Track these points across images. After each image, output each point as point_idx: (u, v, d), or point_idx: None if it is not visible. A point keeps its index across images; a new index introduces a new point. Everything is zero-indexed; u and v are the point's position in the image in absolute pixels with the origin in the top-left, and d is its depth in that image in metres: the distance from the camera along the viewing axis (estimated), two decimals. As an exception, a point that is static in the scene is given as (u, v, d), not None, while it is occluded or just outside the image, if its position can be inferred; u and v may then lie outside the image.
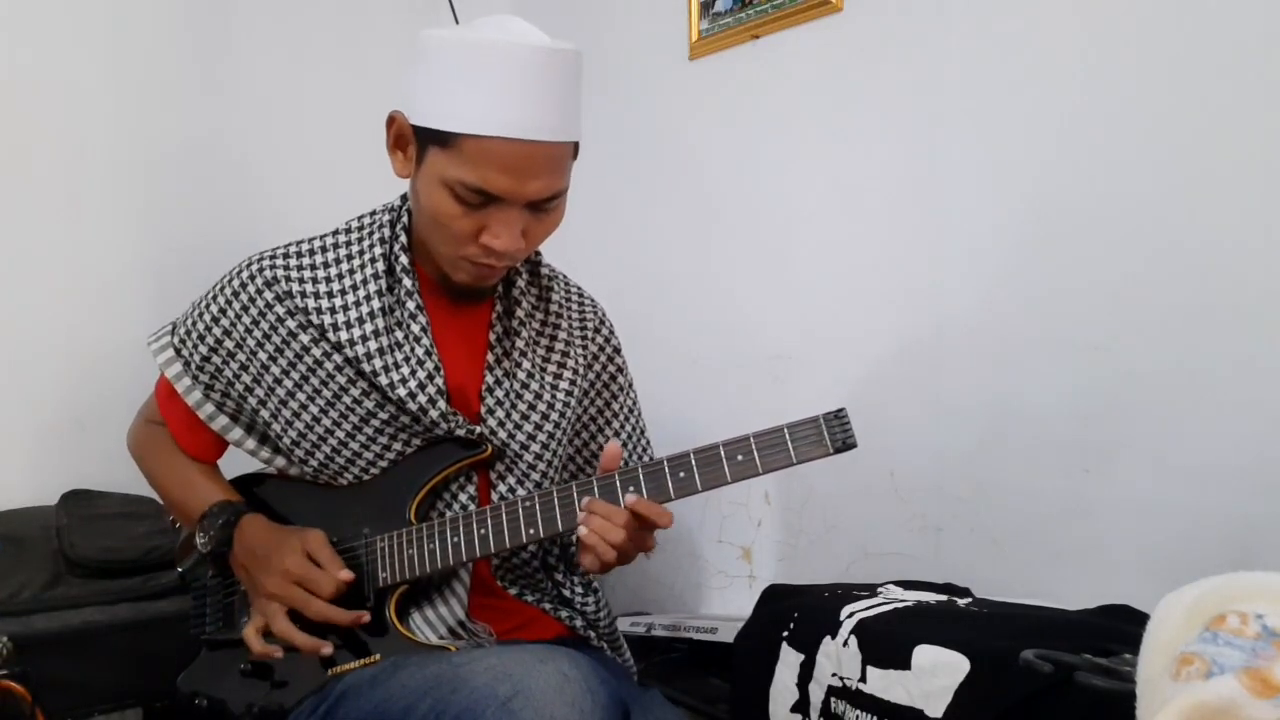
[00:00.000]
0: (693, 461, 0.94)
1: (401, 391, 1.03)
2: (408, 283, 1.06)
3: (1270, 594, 0.62)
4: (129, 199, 1.81)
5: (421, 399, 1.03)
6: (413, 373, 1.03)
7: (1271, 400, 1.22)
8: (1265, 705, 0.55)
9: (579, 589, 1.17)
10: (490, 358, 1.10)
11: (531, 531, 0.98)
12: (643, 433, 1.26)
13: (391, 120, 1.00)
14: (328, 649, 0.99)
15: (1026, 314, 1.45)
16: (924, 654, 0.96)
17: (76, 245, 1.76)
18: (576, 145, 1.01)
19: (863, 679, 1.00)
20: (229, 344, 1.09)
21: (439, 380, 1.04)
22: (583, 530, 0.94)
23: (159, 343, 1.15)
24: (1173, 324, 1.30)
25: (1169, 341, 1.30)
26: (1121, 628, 0.98)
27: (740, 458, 0.93)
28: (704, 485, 0.94)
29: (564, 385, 1.12)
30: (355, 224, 1.12)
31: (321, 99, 2.07)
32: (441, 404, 1.03)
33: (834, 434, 0.91)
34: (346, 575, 1.00)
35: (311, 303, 1.05)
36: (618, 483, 0.96)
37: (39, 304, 1.72)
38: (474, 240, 0.98)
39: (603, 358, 1.21)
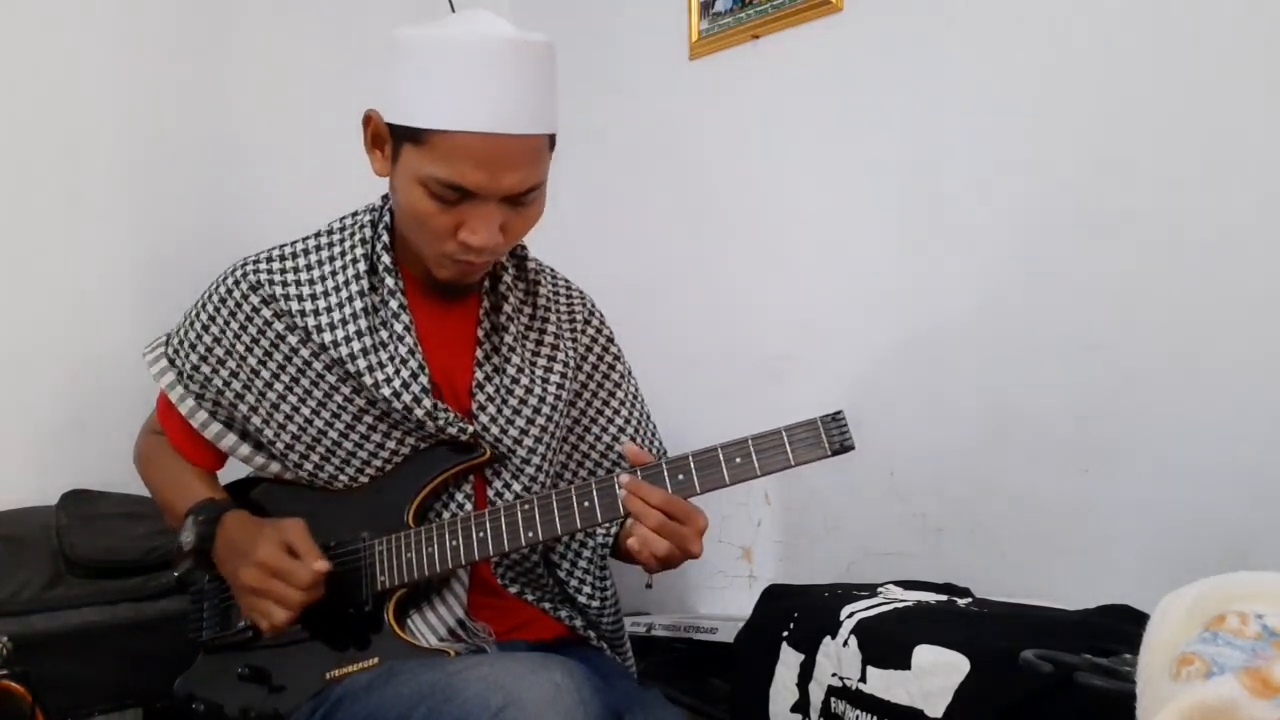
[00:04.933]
0: (691, 464, 0.94)
1: (386, 391, 1.03)
2: (390, 282, 1.06)
3: (1270, 594, 0.62)
4: (129, 199, 1.81)
5: (406, 398, 1.03)
6: (396, 372, 1.03)
7: (1271, 400, 1.22)
8: (1265, 705, 0.55)
9: (586, 588, 1.16)
10: (479, 354, 1.10)
11: (530, 535, 0.98)
12: (648, 418, 1.26)
13: (368, 119, 1.01)
14: (324, 565, 0.99)
15: (1026, 314, 1.45)
16: (924, 654, 0.96)
17: (76, 245, 1.76)
18: (553, 137, 1.01)
19: (863, 679, 1.00)
20: (219, 351, 1.09)
21: (423, 379, 1.04)
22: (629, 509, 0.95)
23: (153, 354, 1.15)
24: (1173, 324, 1.30)
25: (1169, 341, 1.30)
26: (1121, 628, 0.98)
27: (739, 460, 0.93)
28: (702, 488, 0.94)
29: (554, 379, 1.12)
30: (337, 225, 1.12)
31: (320, 99, 2.07)
32: (426, 403, 1.03)
33: (831, 436, 0.91)
34: (322, 565, 0.99)
35: (295, 305, 1.06)
36: (616, 485, 0.95)
37: (39, 304, 1.72)
38: (452, 237, 0.98)
39: (596, 349, 1.20)
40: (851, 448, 0.91)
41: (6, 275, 1.68)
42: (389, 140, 0.99)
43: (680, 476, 0.94)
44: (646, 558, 0.95)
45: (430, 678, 0.87)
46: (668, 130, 2.02)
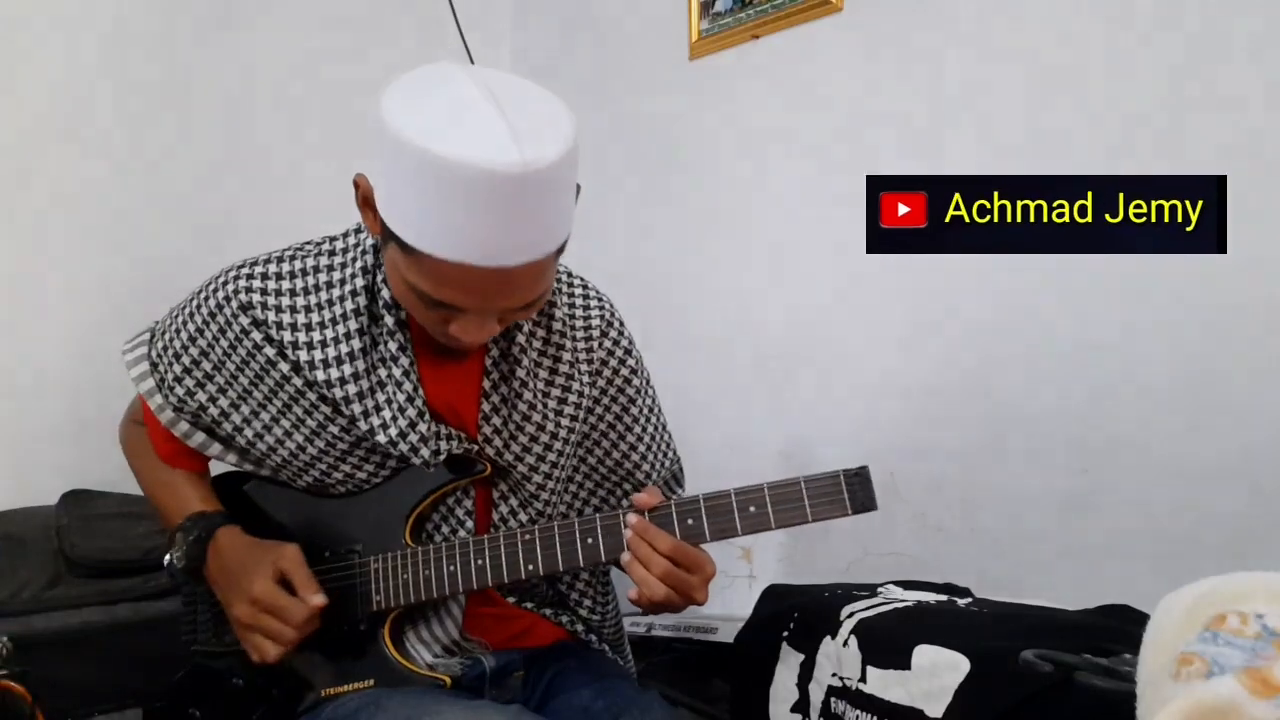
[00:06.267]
0: (702, 509, 0.91)
1: (381, 437, 0.98)
2: (389, 321, 0.98)
3: (1270, 594, 0.62)
4: (130, 199, 1.81)
5: (404, 446, 0.99)
6: (393, 418, 0.98)
7: (1271, 400, 1.22)
8: (1265, 705, 0.55)
9: (588, 601, 1.15)
10: (486, 384, 1.04)
11: (530, 568, 0.95)
12: (663, 429, 1.19)
13: (357, 185, 0.91)
14: (320, 600, 0.96)
15: (1026, 314, 1.45)
16: (924, 654, 0.95)
17: (77, 245, 1.76)
18: (565, 241, 0.88)
19: (863, 679, 1.00)
20: (206, 365, 1.02)
21: (421, 428, 0.98)
22: (626, 557, 0.92)
23: (134, 354, 1.08)
24: (1173, 324, 1.30)
25: (1169, 341, 1.30)
26: (1121, 628, 0.98)
27: (752, 509, 0.90)
28: (712, 536, 0.91)
29: (568, 410, 1.07)
30: (339, 244, 1.03)
31: (321, 101, 2.07)
32: (424, 452, 0.99)
33: (854, 494, 0.88)
34: (319, 600, 0.95)
35: (288, 335, 0.98)
36: (621, 524, 0.93)
37: (39, 304, 1.72)
38: (443, 327, 0.91)
39: (613, 362, 1.12)
40: (874, 508, 0.88)
41: (8, 275, 1.69)
42: (378, 213, 0.87)
43: (690, 521, 0.91)
44: (647, 605, 0.92)
45: None
46: (668, 130, 2.02)
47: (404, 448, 0.99)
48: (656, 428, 1.18)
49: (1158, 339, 1.31)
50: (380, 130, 0.80)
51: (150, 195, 1.84)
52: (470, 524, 1.05)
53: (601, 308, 1.13)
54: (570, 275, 1.15)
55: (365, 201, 0.90)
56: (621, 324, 1.15)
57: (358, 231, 1.04)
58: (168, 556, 1.08)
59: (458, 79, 0.82)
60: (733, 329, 1.88)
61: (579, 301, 1.12)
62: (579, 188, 0.89)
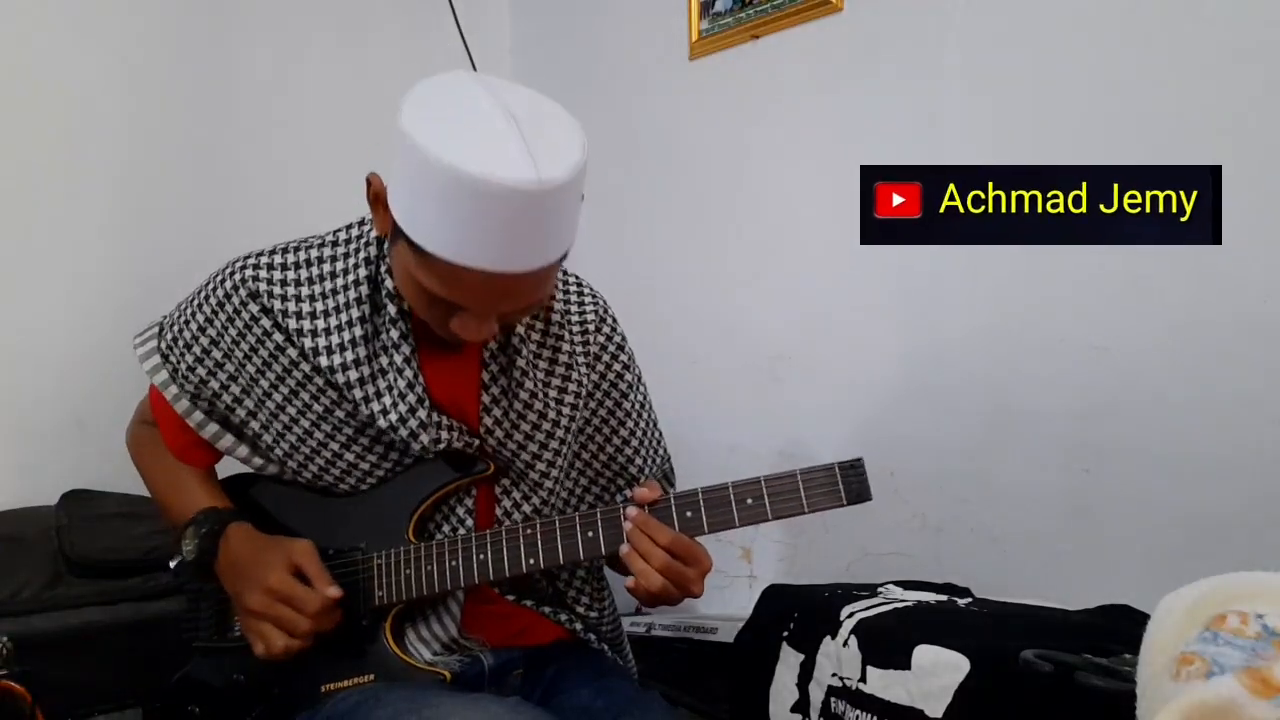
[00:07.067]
0: (700, 502, 0.93)
1: (382, 423, 1.00)
2: (391, 309, 1.01)
3: (1270, 594, 0.63)
4: (129, 199, 1.81)
5: (403, 432, 1.00)
6: (394, 404, 1.00)
7: (1271, 400, 1.22)
8: (1265, 705, 0.55)
9: (585, 598, 1.15)
10: (485, 376, 1.05)
11: (531, 562, 0.97)
12: (653, 425, 1.21)
13: (369, 182, 0.93)
14: (336, 591, 0.98)
15: (1026, 314, 1.45)
16: (924, 654, 0.96)
17: (77, 245, 1.76)
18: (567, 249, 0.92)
19: (863, 679, 1.00)
20: (216, 354, 1.05)
21: (421, 414, 1.00)
22: (625, 548, 0.93)
23: (145, 347, 1.10)
24: (1173, 324, 1.30)
25: (1169, 341, 1.30)
26: (1121, 628, 0.98)
27: (750, 501, 0.92)
28: (710, 528, 0.93)
29: (569, 399, 1.09)
30: (343, 235, 1.06)
31: (321, 100, 2.08)
32: (424, 437, 1.01)
33: (849, 485, 0.90)
34: (334, 592, 0.97)
35: (293, 324, 1.02)
36: (621, 518, 0.95)
37: (39, 304, 1.72)
38: (445, 323, 0.93)
39: (605, 357, 1.14)
40: (869, 498, 0.90)
41: (7, 275, 1.69)
42: (389, 211, 0.90)
43: (688, 514, 0.93)
44: (644, 596, 0.93)
45: None
46: (668, 130, 2.02)
47: (404, 433, 1.00)
48: (648, 423, 1.20)
49: (1158, 338, 1.31)
50: (401, 138, 0.83)
51: (151, 195, 1.84)
52: (471, 523, 1.06)
53: (595, 303, 1.17)
54: (566, 272, 1.17)
55: (377, 199, 0.93)
56: (615, 319, 1.18)
57: (361, 224, 1.07)
58: (172, 564, 1.09)
59: (476, 95, 0.85)
60: (732, 328, 1.88)
61: (574, 296, 1.15)
62: (582, 196, 0.91)
